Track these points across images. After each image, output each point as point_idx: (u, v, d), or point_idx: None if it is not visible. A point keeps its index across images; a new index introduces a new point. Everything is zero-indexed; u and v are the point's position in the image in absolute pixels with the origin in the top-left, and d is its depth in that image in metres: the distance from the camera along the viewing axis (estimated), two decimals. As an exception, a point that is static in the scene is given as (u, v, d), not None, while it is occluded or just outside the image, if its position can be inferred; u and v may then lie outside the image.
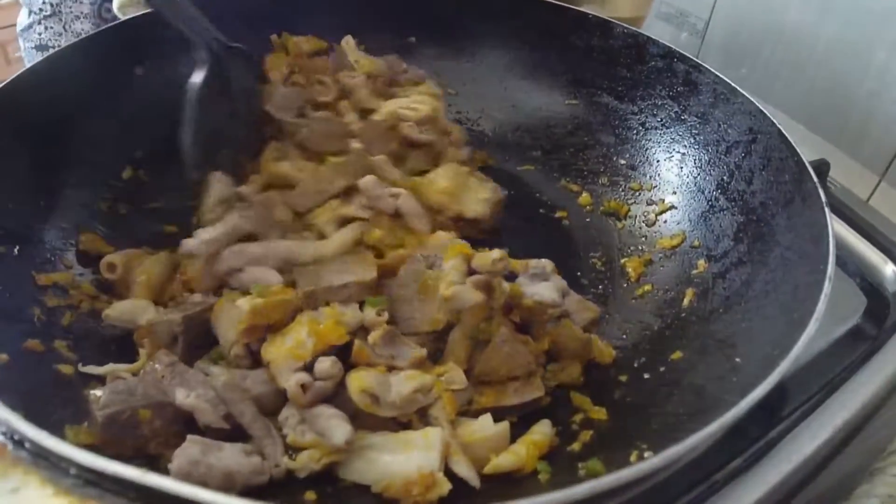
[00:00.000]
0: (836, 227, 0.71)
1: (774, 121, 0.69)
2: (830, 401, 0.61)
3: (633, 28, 0.85)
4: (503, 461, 0.51)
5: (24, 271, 0.61)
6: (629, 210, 0.82)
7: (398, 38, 0.94)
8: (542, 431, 0.55)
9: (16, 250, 0.62)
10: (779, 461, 0.56)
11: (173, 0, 0.69)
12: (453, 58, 0.96)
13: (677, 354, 0.61)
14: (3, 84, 0.66)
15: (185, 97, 0.70)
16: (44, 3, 1.14)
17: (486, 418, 0.55)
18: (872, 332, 0.67)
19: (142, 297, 0.63)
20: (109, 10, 1.18)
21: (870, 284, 0.70)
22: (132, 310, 0.61)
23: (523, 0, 0.91)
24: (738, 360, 0.55)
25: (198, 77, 0.71)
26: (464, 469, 0.50)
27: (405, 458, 0.50)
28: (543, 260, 0.66)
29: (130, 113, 0.78)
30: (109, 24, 0.81)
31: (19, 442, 0.37)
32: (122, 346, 0.60)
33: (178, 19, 0.69)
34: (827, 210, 0.59)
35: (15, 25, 1.25)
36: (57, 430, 0.46)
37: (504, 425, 0.55)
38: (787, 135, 0.67)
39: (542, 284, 0.62)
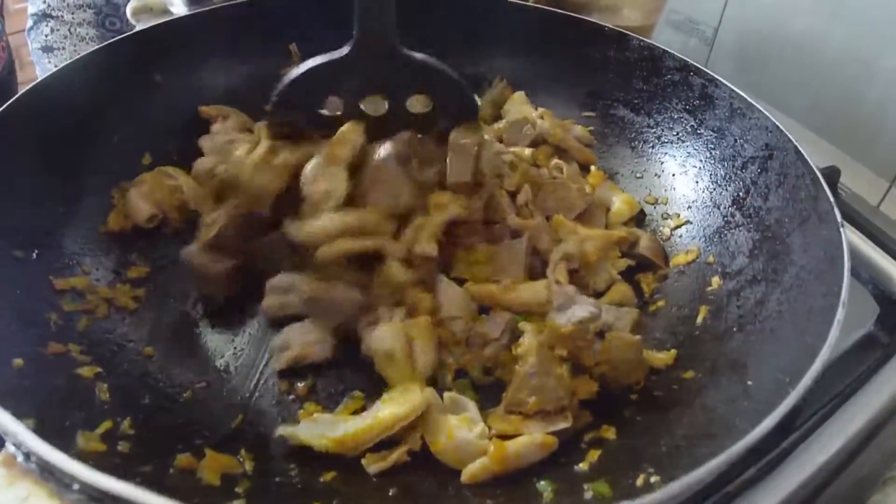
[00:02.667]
0: (847, 234, 0.70)
1: (791, 137, 0.69)
2: (843, 410, 0.60)
3: (649, 41, 0.85)
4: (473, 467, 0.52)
5: (41, 276, 0.62)
6: (644, 224, 0.81)
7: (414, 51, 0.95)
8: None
9: (34, 255, 0.63)
10: (791, 471, 0.55)
11: None
12: (469, 70, 0.96)
13: (689, 373, 0.60)
14: (23, 92, 0.67)
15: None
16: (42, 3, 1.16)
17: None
18: (885, 339, 0.67)
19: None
20: (114, 24, 1.21)
21: (882, 292, 0.69)
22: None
23: (538, 12, 0.91)
24: (749, 382, 0.54)
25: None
26: None
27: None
28: (564, 286, 0.64)
29: (149, 121, 0.79)
30: (129, 32, 0.82)
31: (28, 454, 0.37)
32: (136, 352, 0.61)
33: None
34: (843, 231, 0.58)
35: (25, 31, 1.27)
36: (69, 436, 0.47)
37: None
38: (803, 152, 0.67)
39: (572, 308, 0.61)
